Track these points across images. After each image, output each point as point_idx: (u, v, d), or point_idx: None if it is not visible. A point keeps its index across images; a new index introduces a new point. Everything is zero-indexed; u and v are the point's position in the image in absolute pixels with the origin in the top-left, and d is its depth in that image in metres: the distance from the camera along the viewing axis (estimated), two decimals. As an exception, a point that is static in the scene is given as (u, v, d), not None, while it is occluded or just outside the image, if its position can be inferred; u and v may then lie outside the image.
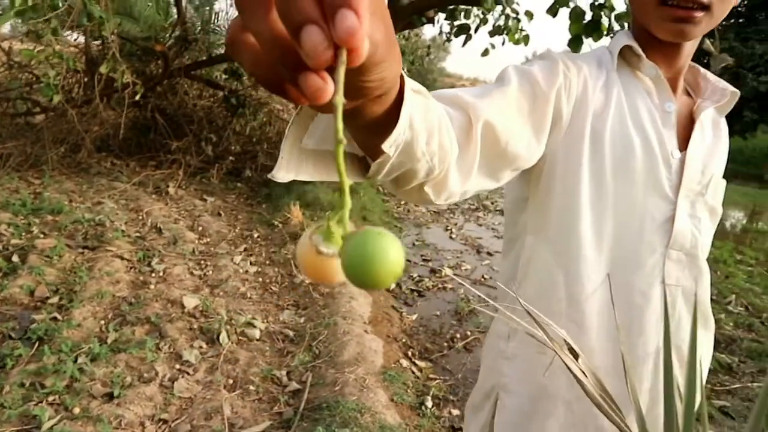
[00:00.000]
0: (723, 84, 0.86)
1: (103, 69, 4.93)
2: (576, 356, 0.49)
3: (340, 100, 0.27)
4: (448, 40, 5.61)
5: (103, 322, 2.79)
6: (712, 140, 0.85)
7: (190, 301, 3.04)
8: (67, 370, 2.28)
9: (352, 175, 0.45)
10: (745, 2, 17.84)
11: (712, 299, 3.67)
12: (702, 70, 0.89)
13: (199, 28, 6.88)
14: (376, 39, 0.28)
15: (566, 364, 0.46)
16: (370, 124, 0.38)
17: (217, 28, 7.16)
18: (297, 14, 0.25)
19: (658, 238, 0.79)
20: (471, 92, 0.65)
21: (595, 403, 0.48)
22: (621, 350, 0.69)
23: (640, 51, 0.80)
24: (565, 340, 0.49)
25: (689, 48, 0.81)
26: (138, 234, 4.06)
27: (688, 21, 0.73)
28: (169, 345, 2.62)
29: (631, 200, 0.78)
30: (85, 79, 6.03)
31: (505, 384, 0.86)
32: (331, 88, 0.27)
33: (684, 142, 0.81)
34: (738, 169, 19.99)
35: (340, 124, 0.28)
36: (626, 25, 3.97)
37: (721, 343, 3.66)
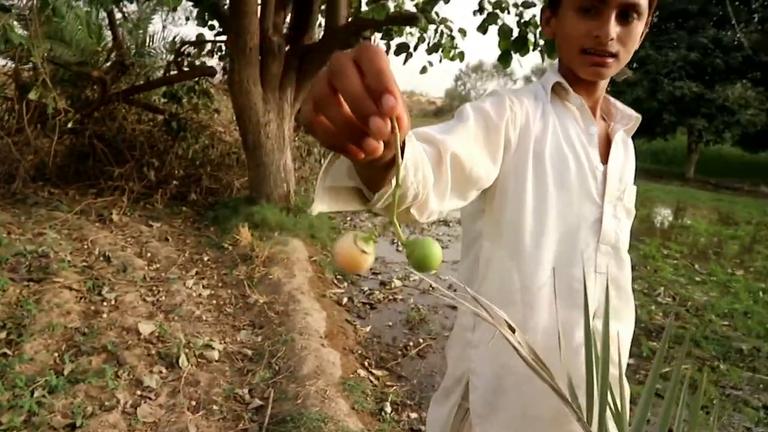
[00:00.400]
0: (629, 111, 1.09)
1: (32, 95, 4.83)
2: (513, 331, 0.64)
3: (398, 155, 0.44)
4: (386, 60, 5.81)
5: (56, 354, 2.78)
6: (624, 155, 1.07)
7: (146, 328, 3.06)
8: (24, 405, 2.28)
9: (352, 202, 0.58)
10: (656, 13, 19.07)
11: (643, 293, 4.00)
12: (612, 99, 1.11)
13: (135, 51, 6.83)
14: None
15: (505, 336, 0.61)
16: (382, 165, 0.51)
17: (153, 51, 7.12)
18: (365, 110, 0.39)
19: (591, 236, 0.99)
20: (437, 129, 0.81)
21: (528, 365, 0.63)
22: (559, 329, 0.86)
23: (567, 86, 1.01)
24: (505, 320, 0.65)
25: (604, 83, 1.03)
26: (85, 263, 4.02)
27: (602, 65, 0.95)
28: (128, 372, 2.64)
29: (569, 206, 0.98)
30: (17, 107, 5.87)
31: (474, 368, 1.03)
32: (381, 146, 0.43)
33: (604, 157, 1.02)
34: (662, 169, 21.24)
35: (401, 172, 0.45)
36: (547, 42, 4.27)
37: (652, 332, 3.98)
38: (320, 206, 0.56)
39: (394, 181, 0.47)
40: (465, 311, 1.09)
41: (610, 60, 0.94)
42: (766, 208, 12.50)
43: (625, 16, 0.92)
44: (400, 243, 0.49)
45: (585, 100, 1.02)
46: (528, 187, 0.96)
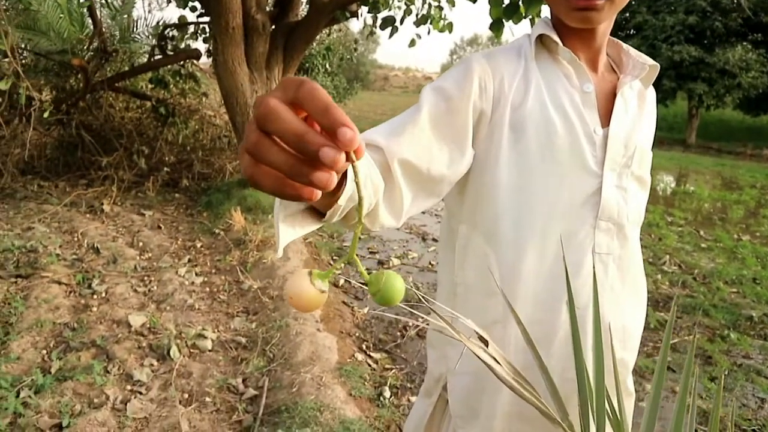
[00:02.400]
0: (643, 58, 0.91)
1: (1, 85, 4.66)
2: (486, 344, 0.53)
3: (361, 186, 0.41)
4: (371, 33, 5.63)
5: (45, 351, 2.69)
6: (636, 112, 0.90)
7: (137, 319, 2.97)
8: (8, 407, 2.19)
9: (309, 223, 0.55)
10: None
11: (648, 262, 3.88)
12: (624, 46, 0.94)
13: (118, 38, 6.64)
14: None
15: (475, 353, 0.49)
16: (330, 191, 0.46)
17: (138, 37, 6.93)
18: (312, 145, 0.36)
19: (588, 211, 0.84)
20: (384, 131, 0.74)
21: (507, 386, 0.52)
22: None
23: (555, 38, 0.85)
24: (475, 331, 0.53)
25: (603, 28, 0.87)
26: (75, 256, 3.92)
27: (591, 9, 0.79)
28: (118, 366, 2.55)
29: (559, 178, 0.83)
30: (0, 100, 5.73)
31: (452, 368, 0.91)
32: (335, 178, 0.38)
33: (608, 118, 0.86)
34: (663, 136, 21.03)
35: (364, 203, 0.43)
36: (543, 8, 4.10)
37: (659, 302, 3.88)
38: (283, 242, 0.51)
39: (343, 206, 0.45)
40: (441, 304, 0.96)
41: (600, 2, 0.78)
42: (770, 171, 12.36)
43: None
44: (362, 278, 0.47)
45: (582, 51, 0.87)
46: (503, 161, 0.83)
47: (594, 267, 0.82)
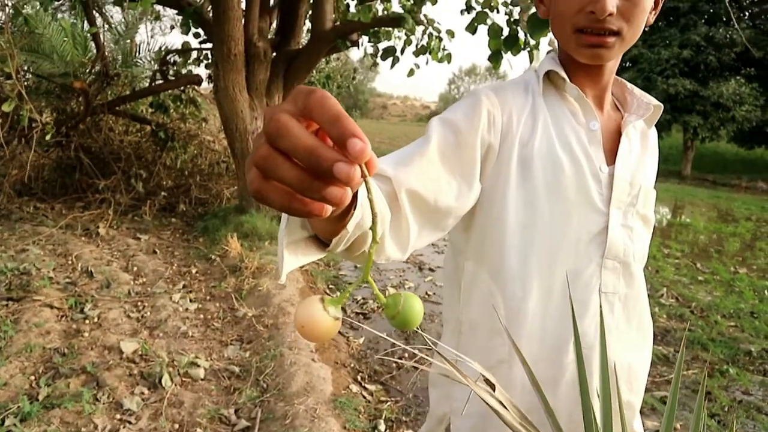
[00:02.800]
0: (647, 98, 0.92)
1: (5, 107, 4.68)
2: (493, 387, 0.51)
3: (375, 202, 0.39)
4: (375, 64, 5.70)
5: (33, 377, 2.64)
6: (640, 151, 0.90)
7: (129, 346, 2.92)
8: (-6, 435, 2.14)
9: (312, 252, 0.53)
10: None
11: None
12: (629, 85, 0.94)
13: (120, 61, 6.70)
14: None
15: (481, 397, 0.48)
16: (337, 215, 0.48)
17: (140, 61, 6.99)
18: (325, 161, 0.34)
19: (594, 249, 0.83)
20: (392, 161, 0.73)
21: (513, 431, 0.50)
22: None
23: (563, 74, 0.86)
24: (482, 374, 0.51)
25: (611, 66, 0.87)
26: (68, 280, 3.87)
27: (601, 46, 0.79)
28: (107, 394, 2.50)
29: (566, 216, 0.83)
30: (0, 121, 5.75)
31: (456, 408, 0.88)
32: (349, 194, 0.37)
33: (613, 156, 0.86)
34: (659, 168, 21.18)
35: (379, 226, 0.40)
36: (542, 41, 4.17)
37: (657, 336, 3.84)
38: (286, 269, 0.50)
39: (370, 238, 0.41)
40: (446, 342, 0.94)
41: (611, 39, 0.78)
42: (765, 204, 12.42)
43: None
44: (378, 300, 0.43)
45: (589, 88, 0.87)
46: (511, 198, 0.82)
47: (600, 306, 0.81)
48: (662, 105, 0.92)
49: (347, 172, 0.34)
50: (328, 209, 0.38)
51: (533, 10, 3.61)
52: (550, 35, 2.68)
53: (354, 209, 0.49)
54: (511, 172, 0.82)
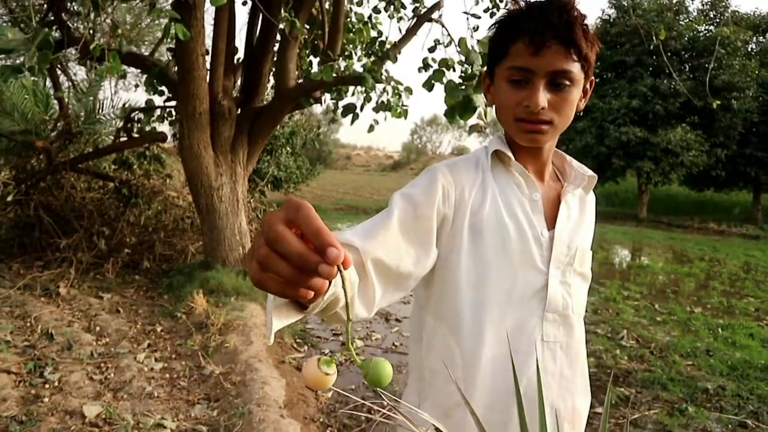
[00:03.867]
0: (583, 169, 1.06)
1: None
2: None
3: (349, 292, 0.53)
4: (333, 121, 5.86)
5: (-11, 448, 2.55)
6: (579, 216, 1.04)
7: (92, 410, 2.85)
8: None
9: (293, 314, 0.63)
10: (597, 64, 20.13)
11: (606, 337, 4.01)
12: (567, 158, 1.09)
13: (83, 119, 6.70)
14: None
15: None
16: None
17: (103, 118, 7.00)
18: (311, 264, 0.46)
19: (536, 304, 0.95)
20: (360, 233, 0.85)
21: None
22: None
23: (509, 153, 0.99)
24: (434, 425, 0.60)
25: (548, 147, 1.01)
26: (27, 343, 3.77)
27: (536, 132, 0.93)
28: (69, 462, 2.43)
29: (512, 276, 0.94)
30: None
31: None
32: (327, 284, 0.51)
33: (553, 222, 0.99)
34: (616, 211, 21.90)
35: (351, 308, 0.55)
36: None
37: (618, 377, 3.95)
38: (274, 329, 0.60)
39: (342, 302, 0.56)
40: (411, 387, 1.04)
41: (544, 127, 0.92)
42: (716, 245, 12.94)
43: (556, 84, 0.90)
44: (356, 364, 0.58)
45: (531, 164, 1.00)
46: (463, 260, 0.94)
47: (542, 354, 0.92)
48: (596, 176, 1.06)
49: (327, 271, 0.45)
50: (311, 294, 0.50)
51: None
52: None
53: (329, 286, 0.59)
54: (464, 238, 0.93)
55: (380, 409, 0.66)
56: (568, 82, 0.90)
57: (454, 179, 0.95)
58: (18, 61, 3.52)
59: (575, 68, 0.89)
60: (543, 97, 0.89)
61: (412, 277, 0.89)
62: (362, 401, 0.69)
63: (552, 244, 0.96)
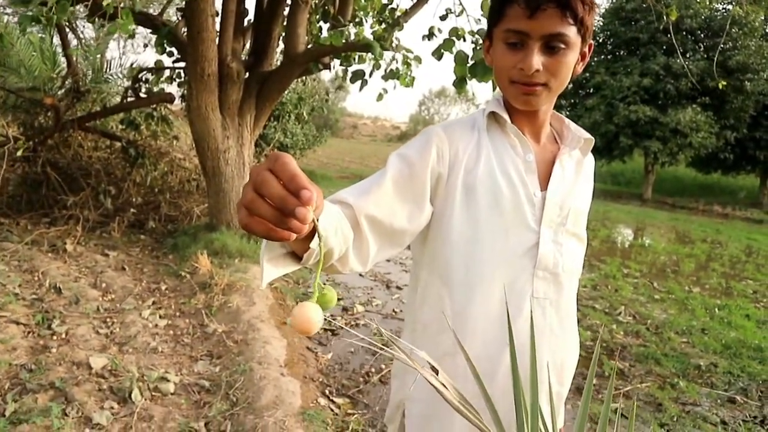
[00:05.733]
0: (580, 132, 1.07)
1: (-29, 123, 4.65)
2: (437, 372, 0.63)
3: (318, 230, 0.58)
4: (340, 87, 5.84)
5: (-1, 393, 2.64)
6: (574, 178, 1.06)
7: (98, 361, 2.94)
8: (-39, 450, 2.15)
9: (290, 265, 0.68)
10: (610, 40, 19.83)
11: (604, 312, 4.05)
12: (566, 120, 1.10)
13: (91, 77, 6.69)
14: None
15: (426, 379, 0.60)
16: (303, 237, 0.61)
17: (110, 77, 6.99)
18: (288, 205, 0.51)
19: (527, 261, 0.98)
20: (355, 192, 0.89)
21: (454, 408, 0.61)
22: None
23: (505, 116, 1.01)
24: (428, 361, 0.63)
25: (544, 109, 1.03)
26: (35, 296, 3.86)
27: (530, 94, 0.95)
28: (77, 409, 2.52)
29: (504, 233, 0.97)
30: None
31: (409, 394, 1.03)
32: (306, 227, 0.55)
33: (546, 182, 1.01)
34: (621, 190, 21.85)
35: (323, 243, 0.60)
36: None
37: (614, 351, 4.01)
38: (267, 278, 0.65)
39: (318, 251, 0.61)
40: (403, 338, 1.09)
41: (538, 89, 0.94)
42: (720, 227, 12.94)
43: (551, 47, 0.91)
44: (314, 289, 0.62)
45: (527, 126, 1.03)
46: (456, 217, 0.97)
47: (532, 310, 0.96)
48: (593, 138, 1.08)
49: (303, 213, 0.51)
50: (293, 236, 0.55)
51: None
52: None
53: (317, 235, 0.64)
54: (457, 196, 0.97)
55: (380, 347, 0.70)
56: (563, 45, 0.91)
57: (449, 139, 0.98)
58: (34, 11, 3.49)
59: (571, 32, 0.90)
60: (537, 60, 0.91)
61: (407, 233, 0.94)
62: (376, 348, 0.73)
63: (544, 203, 0.99)
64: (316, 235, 0.63)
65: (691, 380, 3.57)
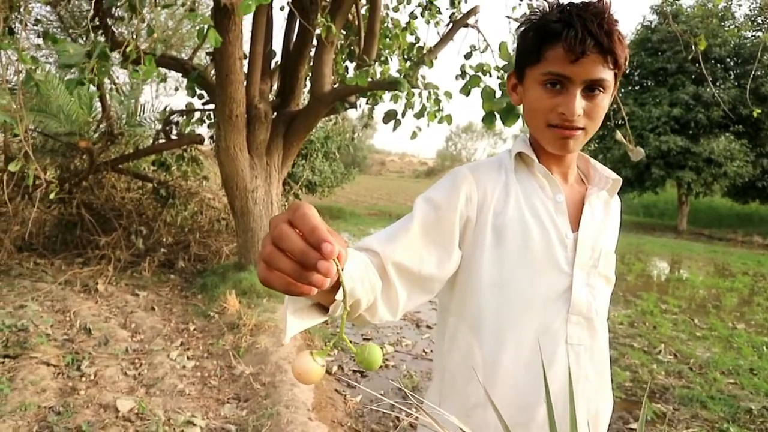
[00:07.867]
0: (608, 172, 1.04)
1: (12, 167, 4.79)
2: None
3: (344, 284, 0.55)
4: (367, 125, 5.90)
5: (27, 437, 2.62)
6: (603, 219, 1.02)
7: (125, 404, 2.91)
8: (-13, 496, 2.12)
9: (315, 317, 0.66)
10: (637, 71, 19.71)
11: (643, 350, 3.89)
12: (592, 160, 1.07)
13: (125, 121, 6.90)
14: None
15: None
16: (328, 289, 0.57)
17: (144, 121, 7.20)
18: (310, 260, 0.49)
19: (560, 305, 0.93)
20: (382, 238, 0.87)
21: None
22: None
23: (533, 156, 0.98)
24: (459, 426, 0.58)
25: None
26: (66, 336, 3.88)
27: (568, 138, 0.92)
28: (102, 455, 2.48)
29: (536, 277, 0.93)
30: (6, 178, 5.86)
31: None
32: (328, 280, 0.51)
33: (577, 223, 0.97)
34: (654, 222, 21.37)
35: (348, 296, 0.57)
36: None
37: (655, 393, 3.82)
38: (291, 332, 0.62)
39: (342, 307, 0.58)
40: (433, 387, 1.05)
41: (577, 133, 0.92)
42: (761, 259, 12.47)
43: (591, 90, 0.90)
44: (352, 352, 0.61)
45: (555, 166, 1.00)
46: (486, 261, 0.93)
47: (568, 356, 0.91)
48: (620, 179, 1.05)
49: (326, 267, 0.49)
50: (314, 290, 0.52)
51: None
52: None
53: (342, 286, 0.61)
54: (486, 239, 0.93)
55: (406, 410, 0.67)
56: (602, 89, 0.90)
57: (477, 181, 0.95)
58: (76, 74, 3.67)
59: (609, 76, 0.90)
60: (579, 105, 0.89)
61: (437, 279, 0.91)
62: (389, 402, 0.67)
63: (576, 245, 0.95)
64: (341, 284, 0.60)
65: (742, 425, 3.36)
